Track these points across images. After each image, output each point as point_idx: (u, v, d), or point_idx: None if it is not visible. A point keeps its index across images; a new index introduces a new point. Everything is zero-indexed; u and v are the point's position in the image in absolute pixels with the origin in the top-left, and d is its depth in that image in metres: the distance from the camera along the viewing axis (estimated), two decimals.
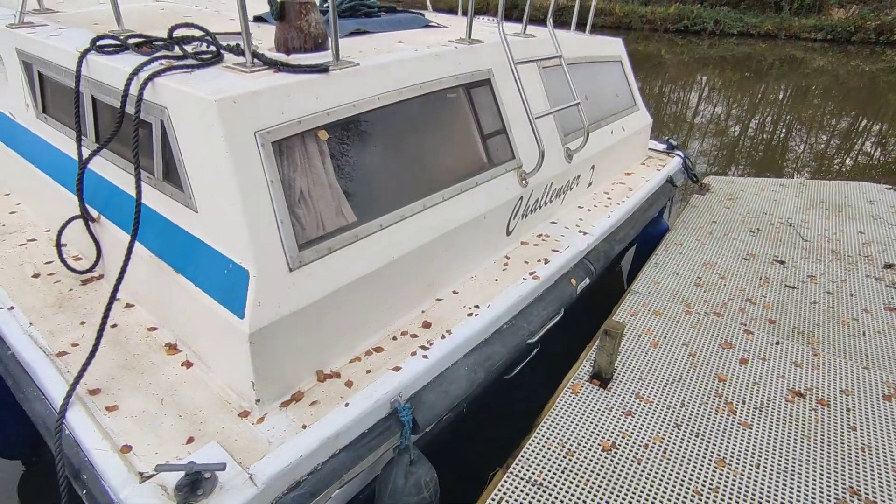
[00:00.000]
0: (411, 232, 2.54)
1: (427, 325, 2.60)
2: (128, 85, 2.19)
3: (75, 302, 2.60)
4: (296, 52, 2.49)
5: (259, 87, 2.06)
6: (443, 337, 2.50)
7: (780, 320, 3.58)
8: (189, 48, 2.47)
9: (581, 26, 4.51)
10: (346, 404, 2.09)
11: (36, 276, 2.77)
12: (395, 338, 2.51)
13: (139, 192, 2.19)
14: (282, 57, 2.44)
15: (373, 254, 2.37)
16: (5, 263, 2.86)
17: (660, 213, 4.86)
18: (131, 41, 2.54)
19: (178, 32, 2.48)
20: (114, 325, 2.46)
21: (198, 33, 2.50)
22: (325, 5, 3.44)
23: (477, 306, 2.75)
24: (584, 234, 3.55)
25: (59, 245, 2.71)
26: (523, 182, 3.23)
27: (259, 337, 1.95)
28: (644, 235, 4.86)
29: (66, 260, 2.73)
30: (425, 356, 2.36)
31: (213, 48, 2.45)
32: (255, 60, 2.28)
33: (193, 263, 2.16)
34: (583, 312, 3.70)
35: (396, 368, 2.29)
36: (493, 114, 3.15)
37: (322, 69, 2.28)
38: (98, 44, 2.52)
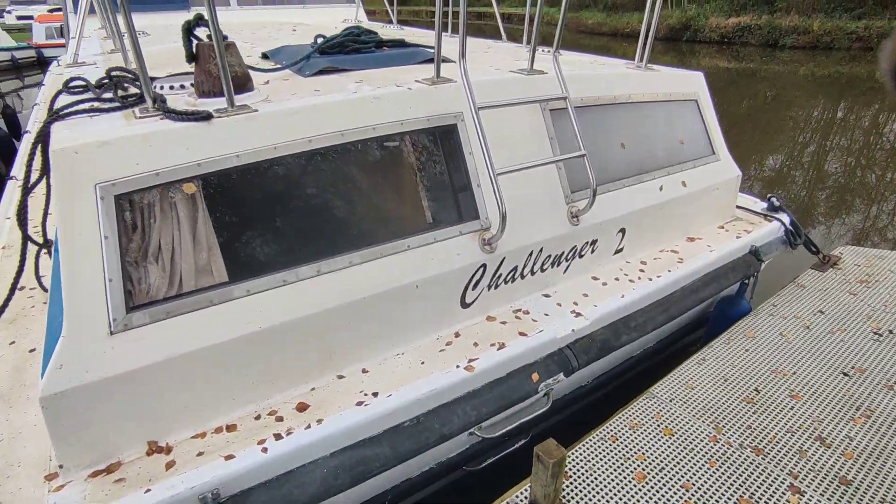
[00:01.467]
0: (295, 299, 2.23)
1: (303, 407, 2.25)
2: (45, 124, 2.28)
3: (26, 321, 2.81)
4: (205, 96, 2.37)
5: (109, 136, 1.96)
6: (308, 427, 2.14)
7: (860, 481, 2.43)
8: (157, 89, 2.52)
9: (654, 55, 3.71)
10: (147, 490, 1.87)
11: (21, 288, 3.08)
12: (258, 417, 2.21)
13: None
14: (191, 102, 2.34)
15: (232, 321, 2.11)
16: (9, 273, 3.24)
17: (740, 291, 3.77)
18: (105, 82, 2.69)
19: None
20: (32, 350, 2.59)
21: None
22: (317, 40, 3.32)
23: (375, 393, 2.31)
24: (578, 315, 2.84)
25: (36, 263, 2.97)
26: (487, 247, 2.69)
27: (54, 401, 1.83)
28: (718, 315, 3.82)
29: (41, 278, 2.98)
30: (265, 448, 2.03)
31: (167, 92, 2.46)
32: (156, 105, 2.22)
33: (54, 310, 2.15)
34: (617, 401, 2.98)
35: (229, 457, 2.00)
36: (459, 166, 2.68)
37: (203, 116, 2.12)
38: (70, 85, 2.71)
